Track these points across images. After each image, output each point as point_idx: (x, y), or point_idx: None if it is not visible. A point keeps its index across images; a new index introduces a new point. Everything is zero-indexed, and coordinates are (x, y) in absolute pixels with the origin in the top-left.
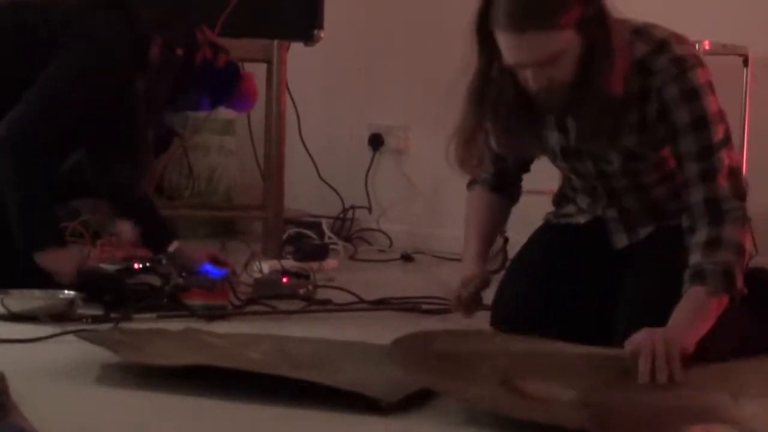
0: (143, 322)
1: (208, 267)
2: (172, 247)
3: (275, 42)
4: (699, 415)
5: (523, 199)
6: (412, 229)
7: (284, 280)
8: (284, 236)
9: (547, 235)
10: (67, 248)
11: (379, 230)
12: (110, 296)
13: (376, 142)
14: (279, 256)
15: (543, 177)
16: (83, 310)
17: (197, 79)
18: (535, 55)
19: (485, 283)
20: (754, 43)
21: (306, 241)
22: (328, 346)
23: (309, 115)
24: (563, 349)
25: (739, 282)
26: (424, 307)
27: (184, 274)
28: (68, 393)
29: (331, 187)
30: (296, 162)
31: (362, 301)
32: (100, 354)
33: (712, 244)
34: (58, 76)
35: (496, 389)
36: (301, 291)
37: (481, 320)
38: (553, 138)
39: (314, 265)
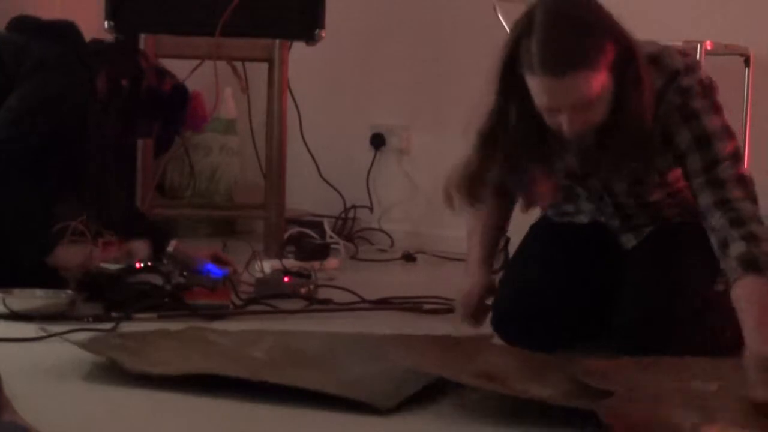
0: (144, 322)
1: (210, 266)
2: (171, 246)
3: (277, 41)
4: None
5: None
6: (413, 228)
7: (286, 279)
8: (286, 236)
9: (548, 233)
10: (70, 244)
11: (381, 230)
12: (111, 295)
13: (377, 141)
14: (280, 256)
15: None
16: (84, 310)
17: (145, 108)
18: (572, 99)
19: (490, 292)
20: (756, 43)
21: (307, 241)
22: (333, 340)
23: (311, 115)
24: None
25: None
26: (426, 306)
27: (185, 273)
28: (66, 391)
29: (332, 186)
30: (298, 161)
31: (363, 300)
32: None
33: (751, 236)
34: (19, 100)
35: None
36: (303, 290)
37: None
38: (559, 164)
39: (315, 264)
